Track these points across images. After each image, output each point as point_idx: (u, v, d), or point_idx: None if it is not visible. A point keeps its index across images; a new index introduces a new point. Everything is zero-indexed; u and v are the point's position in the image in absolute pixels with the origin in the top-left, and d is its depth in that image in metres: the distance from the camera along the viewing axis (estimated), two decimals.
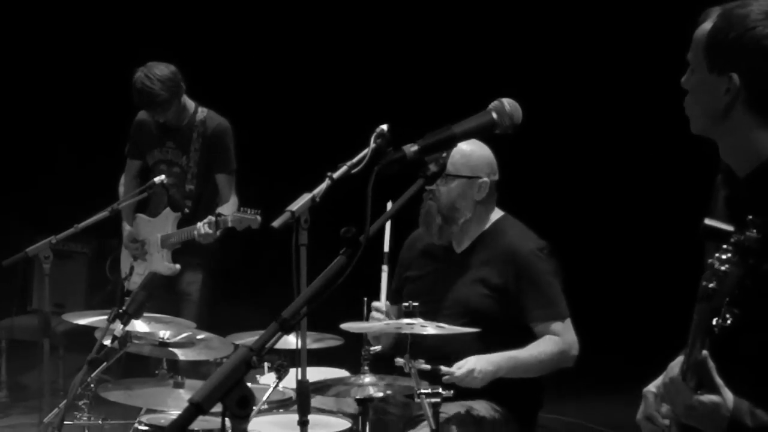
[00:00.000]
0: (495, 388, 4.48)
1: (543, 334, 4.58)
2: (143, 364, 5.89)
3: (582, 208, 9.36)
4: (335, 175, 3.67)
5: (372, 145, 3.72)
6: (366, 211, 2.38)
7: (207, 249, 6.10)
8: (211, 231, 5.83)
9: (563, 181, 9.45)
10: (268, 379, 4.76)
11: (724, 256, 2.29)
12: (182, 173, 6.32)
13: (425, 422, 4.45)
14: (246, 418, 2.24)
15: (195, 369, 5.57)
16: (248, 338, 4.61)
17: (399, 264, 4.97)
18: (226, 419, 2.23)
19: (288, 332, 2.31)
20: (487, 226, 4.77)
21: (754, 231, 2.28)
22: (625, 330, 8.54)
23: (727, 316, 2.30)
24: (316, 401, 4.34)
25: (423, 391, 4.00)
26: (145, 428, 4.40)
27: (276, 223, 3.49)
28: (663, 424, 2.77)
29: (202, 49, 9.23)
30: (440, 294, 4.72)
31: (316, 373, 4.47)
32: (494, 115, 2.59)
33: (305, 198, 3.55)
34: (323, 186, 3.62)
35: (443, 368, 4.30)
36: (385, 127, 3.78)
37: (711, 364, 2.37)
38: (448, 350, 4.42)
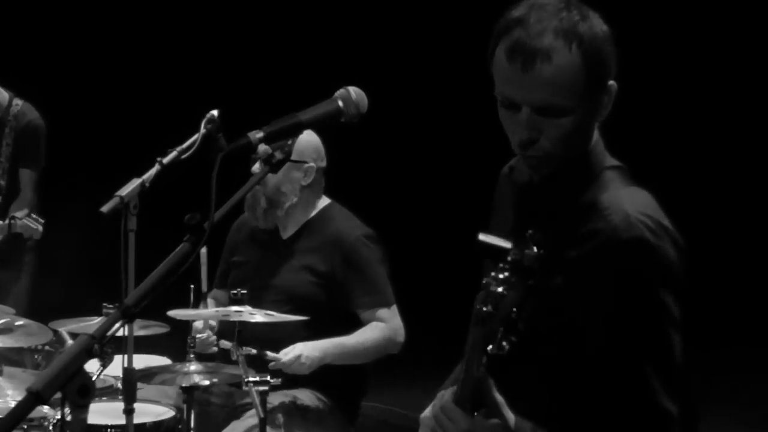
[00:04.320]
0: (319, 376, 4.48)
1: (369, 321, 4.61)
2: None
3: (408, 196, 9.45)
4: (165, 160, 3.62)
5: (202, 130, 3.68)
6: (210, 198, 2.34)
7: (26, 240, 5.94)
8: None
9: (390, 169, 9.53)
10: (91, 366, 4.64)
11: (501, 276, 2.14)
12: None
13: (249, 412, 4.43)
14: (86, 408, 2.19)
15: (15, 356, 5.40)
16: (71, 325, 4.51)
17: (225, 248, 4.93)
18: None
19: (131, 320, 2.26)
20: (314, 212, 4.76)
21: (534, 248, 2.13)
22: (449, 318, 8.64)
23: (504, 344, 2.15)
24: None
25: (251, 379, 3.97)
26: None
27: (105, 209, 3.42)
28: None
29: (21, 35, 8.98)
30: (266, 280, 4.69)
31: (139, 361, 4.39)
32: (340, 103, 2.57)
33: (134, 183, 3.50)
34: (153, 171, 3.57)
35: (270, 353, 4.28)
36: (215, 112, 3.72)
37: (490, 382, 2.25)
38: (275, 337, 4.40)
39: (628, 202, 2.29)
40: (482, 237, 2.22)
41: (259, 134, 2.46)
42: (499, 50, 2.30)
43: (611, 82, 2.33)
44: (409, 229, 8.76)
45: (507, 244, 2.17)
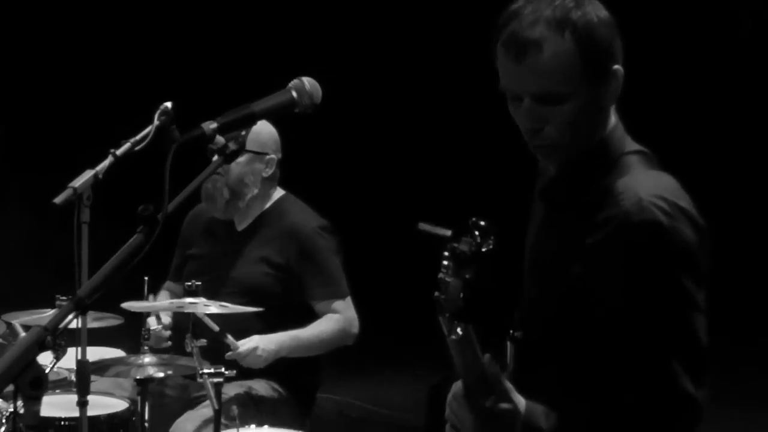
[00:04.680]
0: (274, 368, 4.48)
1: (324, 313, 4.61)
2: None
3: (363, 188, 9.45)
4: (118, 152, 3.60)
5: (156, 122, 3.67)
6: (164, 189, 2.34)
7: None
8: None
9: (344, 161, 9.51)
10: (44, 358, 4.61)
11: (445, 263, 2.15)
12: None
13: (204, 403, 4.42)
14: (39, 399, 2.18)
15: None
16: (24, 317, 4.49)
17: (180, 241, 4.90)
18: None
19: (84, 312, 2.25)
20: (269, 204, 4.76)
21: (470, 238, 2.14)
22: (403, 310, 8.67)
23: (458, 330, 2.16)
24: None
25: (206, 370, 3.96)
26: None
27: (58, 200, 3.40)
28: None
29: None
30: (221, 272, 4.68)
31: (93, 353, 4.37)
32: (294, 93, 2.57)
33: (88, 174, 3.47)
34: (106, 163, 3.54)
35: (229, 337, 4.27)
36: (169, 104, 3.69)
37: (497, 368, 2.28)
38: (230, 329, 4.39)
39: (643, 185, 2.29)
40: (422, 226, 2.25)
41: (213, 125, 2.46)
42: (499, 44, 2.36)
43: (616, 67, 2.35)
44: (363, 221, 8.76)
45: (446, 233, 2.18)
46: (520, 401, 2.28)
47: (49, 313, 4.18)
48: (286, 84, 2.62)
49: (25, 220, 6.78)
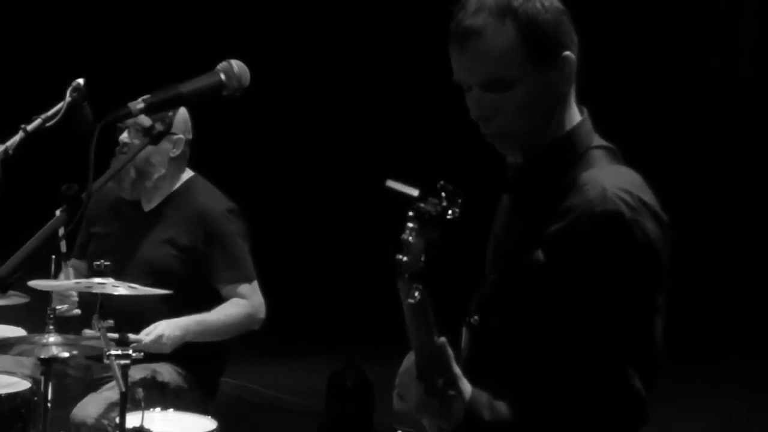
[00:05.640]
0: (179, 351, 4.44)
1: (230, 297, 4.58)
2: None
3: (272, 171, 9.43)
4: (29, 127, 3.57)
5: (68, 98, 3.63)
6: (89, 168, 2.30)
7: None
8: None
9: (255, 143, 9.48)
10: None
11: (410, 224, 2.12)
12: None
13: (108, 385, 4.38)
14: None
15: None
16: None
17: (85, 218, 4.82)
18: None
19: (4, 291, 2.21)
20: (178, 185, 4.70)
21: (437, 200, 2.13)
22: (309, 294, 8.68)
23: (416, 294, 2.11)
24: None
25: (112, 352, 3.91)
26: None
27: None
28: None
29: None
30: (126, 253, 4.61)
31: None
32: (222, 76, 2.55)
33: None
34: (17, 138, 3.52)
35: (131, 336, 4.22)
36: (81, 81, 3.68)
37: (449, 352, 2.24)
38: (137, 310, 4.33)
39: (608, 178, 2.30)
40: (390, 183, 2.28)
41: (140, 105, 2.43)
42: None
43: (567, 53, 2.36)
44: (270, 204, 8.75)
45: (414, 192, 2.19)
46: (467, 389, 2.26)
47: None
48: (206, 66, 2.58)
49: None
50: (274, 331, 5.03)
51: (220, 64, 2.57)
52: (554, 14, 2.35)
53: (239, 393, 7.06)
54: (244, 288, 4.60)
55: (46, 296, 4.32)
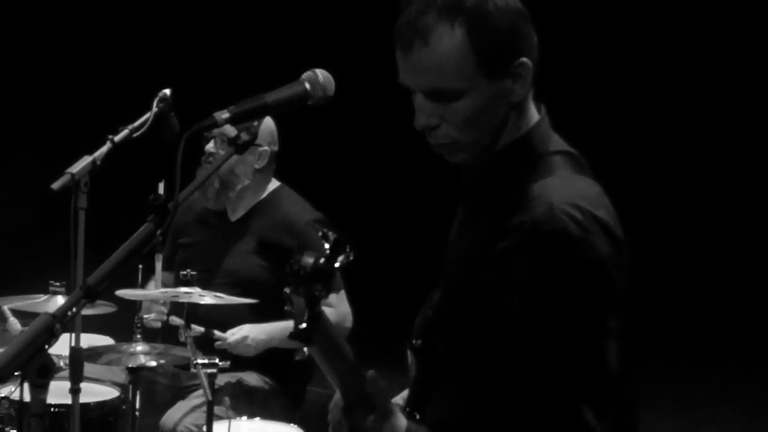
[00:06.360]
0: (266, 360, 4.47)
1: None
2: None
3: (359, 181, 9.43)
4: (117, 138, 3.62)
5: (154, 109, 3.68)
6: (175, 178, 2.31)
7: None
8: None
9: (342, 154, 9.50)
10: None
11: (291, 280, 2.00)
12: None
13: (195, 393, 4.41)
14: (45, 387, 2.16)
15: None
16: (16, 302, 4.45)
17: (172, 230, 4.87)
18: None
19: (93, 300, 2.23)
20: (264, 195, 4.73)
21: (315, 253, 2.00)
22: (397, 305, 8.63)
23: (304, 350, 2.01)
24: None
25: (199, 361, 3.94)
26: None
27: (55, 185, 3.40)
28: None
29: None
30: (214, 263, 4.65)
31: (82, 340, 4.34)
32: (307, 85, 2.53)
33: (85, 161, 3.48)
34: (104, 149, 3.58)
35: (216, 332, 4.26)
36: (168, 91, 3.73)
37: (380, 386, 2.13)
38: (223, 320, 4.37)
39: (559, 191, 2.09)
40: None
41: (225, 114, 2.42)
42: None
43: (522, 59, 2.13)
44: (359, 215, 8.75)
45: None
46: (402, 423, 2.14)
47: (42, 299, 4.13)
48: (290, 76, 2.58)
49: (20, 206, 6.73)
50: (365, 339, 5.02)
51: (305, 74, 2.56)
52: (511, 16, 2.11)
53: (325, 402, 7.05)
54: (331, 297, 4.59)
55: (133, 305, 4.36)
